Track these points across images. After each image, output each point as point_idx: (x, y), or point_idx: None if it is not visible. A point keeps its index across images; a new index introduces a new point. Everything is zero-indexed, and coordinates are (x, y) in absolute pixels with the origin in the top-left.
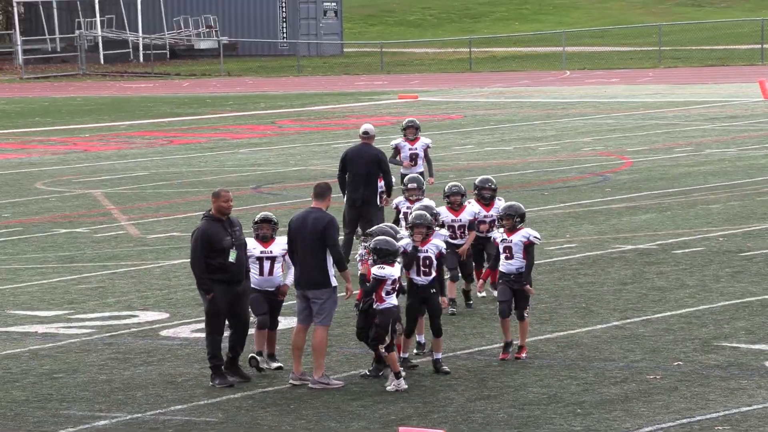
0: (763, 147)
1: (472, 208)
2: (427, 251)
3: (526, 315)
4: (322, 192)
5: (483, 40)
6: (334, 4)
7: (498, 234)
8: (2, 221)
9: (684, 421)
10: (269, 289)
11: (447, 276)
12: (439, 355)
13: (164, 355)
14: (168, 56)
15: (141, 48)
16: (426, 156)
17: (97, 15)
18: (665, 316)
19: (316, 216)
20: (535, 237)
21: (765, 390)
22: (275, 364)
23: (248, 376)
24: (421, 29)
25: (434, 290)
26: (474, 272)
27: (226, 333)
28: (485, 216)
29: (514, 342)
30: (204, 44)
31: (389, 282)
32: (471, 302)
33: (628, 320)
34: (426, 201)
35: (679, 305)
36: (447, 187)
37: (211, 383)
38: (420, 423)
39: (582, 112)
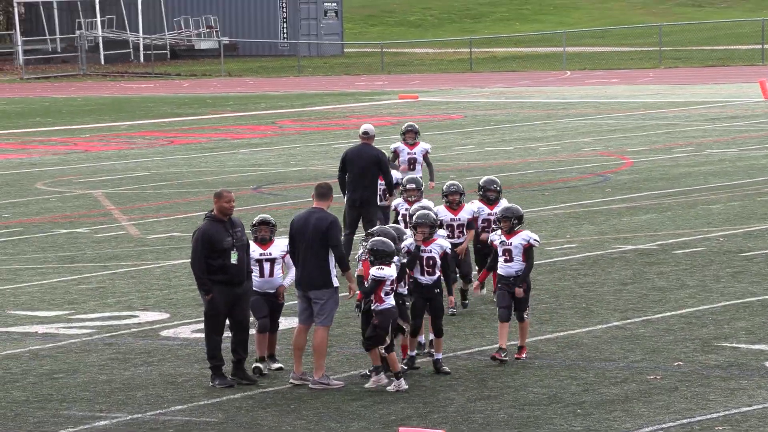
0: (763, 147)
1: (471, 207)
2: (430, 251)
3: (526, 316)
4: (324, 192)
5: (483, 41)
6: (335, 4)
7: (496, 236)
8: (3, 221)
9: (684, 421)
10: (269, 291)
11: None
12: (440, 356)
13: (164, 355)
14: (168, 56)
15: (141, 48)
16: (426, 161)
17: (98, 15)
18: (665, 317)
19: (319, 216)
20: (535, 240)
21: (765, 390)
22: (276, 365)
23: (254, 379)
24: (421, 29)
25: (438, 290)
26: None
27: (227, 334)
28: (489, 214)
29: (514, 343)
30: (204, 44)
31: (388, 283)
32: (467, 301)
33: (629, 320)
34: (425, 202)
35: (680, 305)
36: (445, 186)
37: (211, 383)
38: (420, 423)
39: (582, 112)
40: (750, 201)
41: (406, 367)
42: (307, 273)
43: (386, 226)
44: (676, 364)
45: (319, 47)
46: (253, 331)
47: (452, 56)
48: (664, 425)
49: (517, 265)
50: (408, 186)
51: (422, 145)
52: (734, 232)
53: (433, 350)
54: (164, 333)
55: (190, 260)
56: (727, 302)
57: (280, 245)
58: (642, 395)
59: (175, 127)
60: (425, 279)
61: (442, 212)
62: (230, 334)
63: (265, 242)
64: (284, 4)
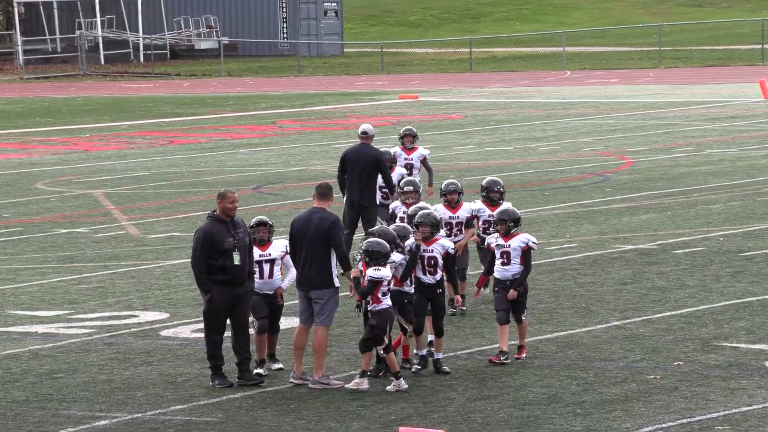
0: (763, 147)
1: (470, 206)
2: (432, 251)
3: (524, 318)
4: (324, 192)
5: (483, 41)
6: (335, 4)
7: (493, 239)
8: (3, 221)
9: (684, 421)
10: (268, 293)
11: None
12: (440, 355)
13: (164, 355)
14: (168, 56)
15: (141, 48)
16: (426, 166)
17: (98, 15)
18: (665, 316)
19: (321, 216)
20: (533, 242)
21: (765, 390)
22: (276, 366)
23: (261, 380)
24: (421, 29)
25: (440, 290)
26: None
27: (227, 333)
28: (489, 215)
29: (514, 343)
30: (204, 44)
31: (385, 283)
32: (464, 308)
33: (629, 320)
34: (422, 204)
35: (680, 305)
36: (444, 184)
37: (211, 383)
38: (420, 423)
39: (582, 112)
40: (750, 201)
41: (420, 367)
42: (309, 273)
43: (387, 226)
44: (676, 363)
45: (319, 47)
46: (252, 332)
47: (452, 56)
48: (664, 425)
49: (514, 268)
50: (405, 188)
51: (420, 151)
52: (734, 232)
53: (432, 349)
54: (164, 333)
55: (190, 259)
56: (727, 302)
57: (278, 246)
58: (642, 395)
59: (175, 127)
60: (427, 278)
61: (441, 211)
62: (230, 335)
63: (263, 243)
64: (284, 4)
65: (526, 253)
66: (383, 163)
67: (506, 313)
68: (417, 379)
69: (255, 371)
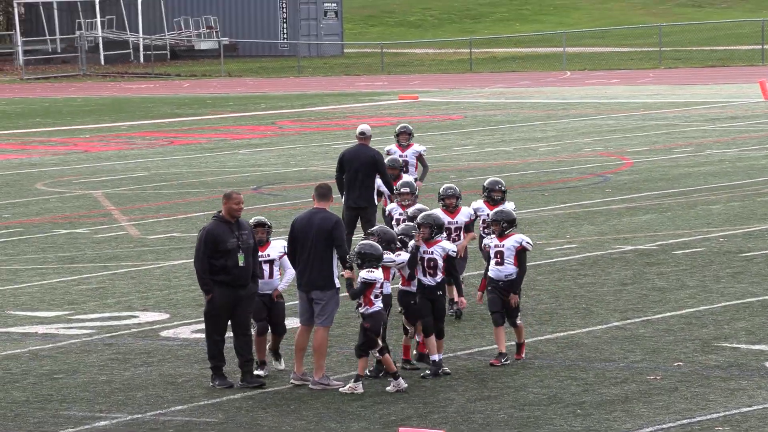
0: (763, 147)
1: (469, 210)
2: (432, 253)
3: (518, 322)
4: (324, 193)
5: (483, 41)
6: (335, 4)
7: (489, 240)
8: (2, 222)
9: (684, 421)
10: (268, 293)
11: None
12: (440, 356)
13: (164, 355)
14: (168, 57)
15: (141, 49)
16: (421, 162)
17: (98, 16)
18: (665, 317)
19: (323, 216)
20: (528, 243)
21: (765, 390)
22: (280, 366)
23: (263, 382)
24: (421, 30)
25: (441, 292)
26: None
27: (228, 334)
28: (488, 215)
29: (512, 343)
30: (204, 45)
31: (378, 285)
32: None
33: (629, 321)
34: (419, 206)
35: (680, 306)
36: (442, 189)
37: (211, 384)
38: (420, 423)
39: (582, 112)
40: (750, 201)
41: (429, 372)
42: (310, 274)
43: (385, 226)
44: (676, 364)
45: (319, 47)
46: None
47: (452, 56)
48: (664, 425)
49: (508, 268)
50: (402, 190)
51: (415, 147)
52: (734, 232)
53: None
54: (164, 333)
55: (192, 260)
56: (727, 302)
57: (277, 246)
58: (642, 395)
59: (175, 127)
60: (427, 280)
61: (439, 215)
62: (231, 335)
63: (262, 244)
64: (284, 5)
65: (521, 253)
66: (381, 164)
67: (501, 315)
68: (417, 380)
69: (255, 373)
